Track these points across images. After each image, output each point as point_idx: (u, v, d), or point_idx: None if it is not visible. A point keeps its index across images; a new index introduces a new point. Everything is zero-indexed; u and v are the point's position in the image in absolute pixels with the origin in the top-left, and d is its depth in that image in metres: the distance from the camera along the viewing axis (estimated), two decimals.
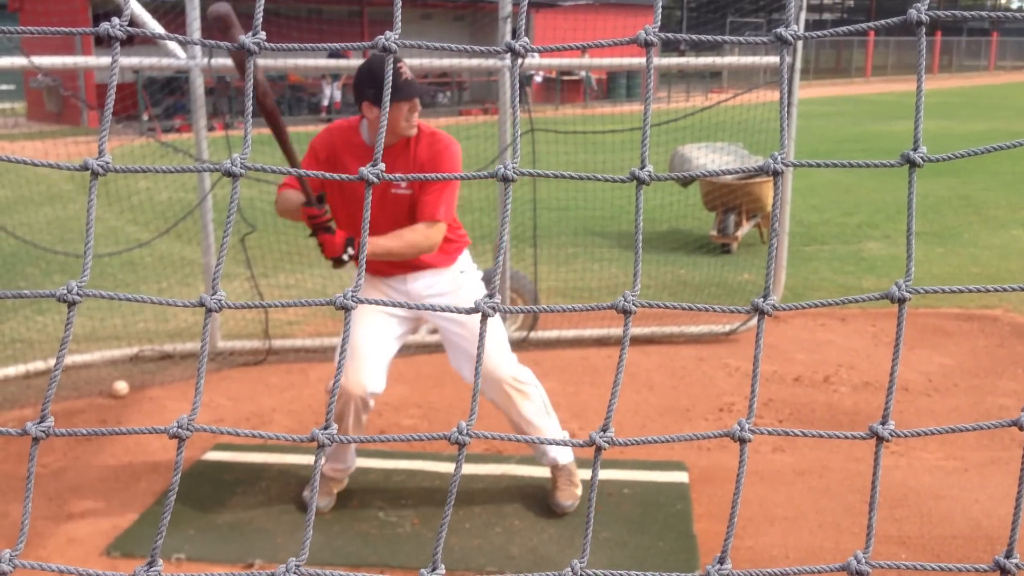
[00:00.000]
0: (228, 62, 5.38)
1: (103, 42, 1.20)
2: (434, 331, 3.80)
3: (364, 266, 1.29)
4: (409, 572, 3.38)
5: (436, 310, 1.36)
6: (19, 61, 4.88)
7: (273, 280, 6.80)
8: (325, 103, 22.65)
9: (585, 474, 3.90)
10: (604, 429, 1.26)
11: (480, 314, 1.28)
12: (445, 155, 3.44)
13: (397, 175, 1.31)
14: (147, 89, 16.58)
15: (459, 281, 3.69)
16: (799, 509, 3.84)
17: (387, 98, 1.27)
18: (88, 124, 17.26)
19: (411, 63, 3.54)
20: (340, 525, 3.71)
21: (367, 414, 3.66)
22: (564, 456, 3.85)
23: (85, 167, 1.17)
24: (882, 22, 1.26)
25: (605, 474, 4.03)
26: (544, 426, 3.77)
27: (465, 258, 3.75)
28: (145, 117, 17.03)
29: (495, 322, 3.65)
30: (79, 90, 16.59)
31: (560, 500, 3.80)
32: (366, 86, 3.32)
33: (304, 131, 11.05)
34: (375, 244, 3.33)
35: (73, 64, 5.31)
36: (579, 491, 3.84)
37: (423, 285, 3.63)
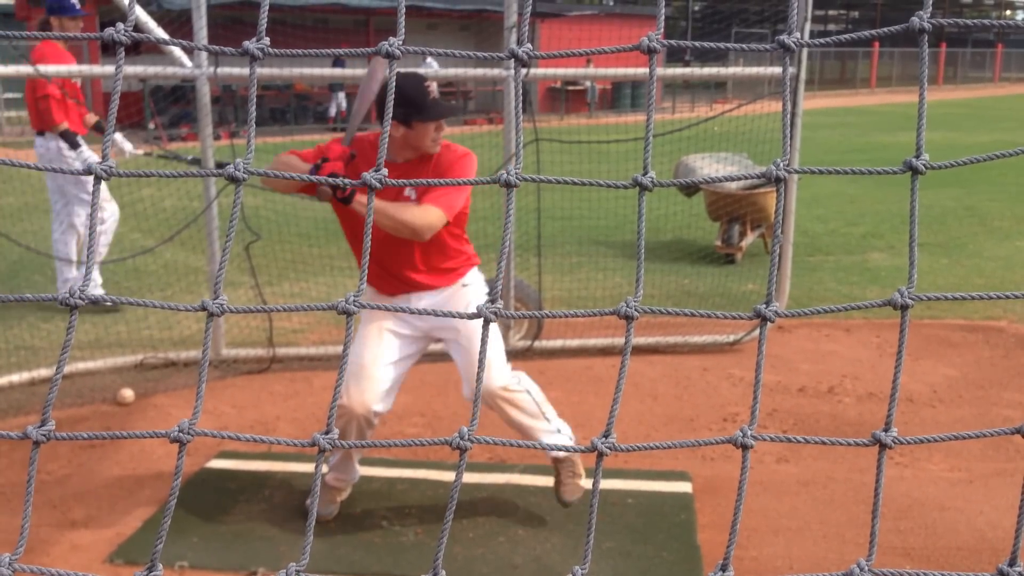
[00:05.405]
0: (234, 70, 5.40)
1: (109, 50, 1.21)
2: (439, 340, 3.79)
3: (366, 271, 1.30)
4: None
5: (437, 315, 1.36)
6: (26, 69, 4.90)
7: (278, 288, 6.81)
8: (332, 113, 22.69)
9: (588, 483, 3.89)
10: (606, 435, 1.26)
11: (482, 321, 1.28)
12: (458, 165, 3.49)
13: (402, 181, 1.32)
14: (153, 98, 16.66)
15: (460, 292, 3.70)
16: (803, 520, 3.83)
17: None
18: (93, 133, 17.27)
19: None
20: (343, 533, 3.70)
21: (371, 431, 3.65)
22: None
23: (89, 171, 1.17)
24: (885, 30, 1.26)
25: (609, 483, 4.02)
26: (538, 427, 3.71)
27: (471, 274, 3.75)
28: (152, 126, 17.10)
29: (491, 331, 3.62)
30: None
31: (563, 495, 3.75)
32: (393, 104, 3.31)
33: (310, 139, 11.09)
34: (375, 202, 3.32)
35: (79, 72, 5.33)
36: (583, 482, 3.77)
37: (425, 305, 3.61)
